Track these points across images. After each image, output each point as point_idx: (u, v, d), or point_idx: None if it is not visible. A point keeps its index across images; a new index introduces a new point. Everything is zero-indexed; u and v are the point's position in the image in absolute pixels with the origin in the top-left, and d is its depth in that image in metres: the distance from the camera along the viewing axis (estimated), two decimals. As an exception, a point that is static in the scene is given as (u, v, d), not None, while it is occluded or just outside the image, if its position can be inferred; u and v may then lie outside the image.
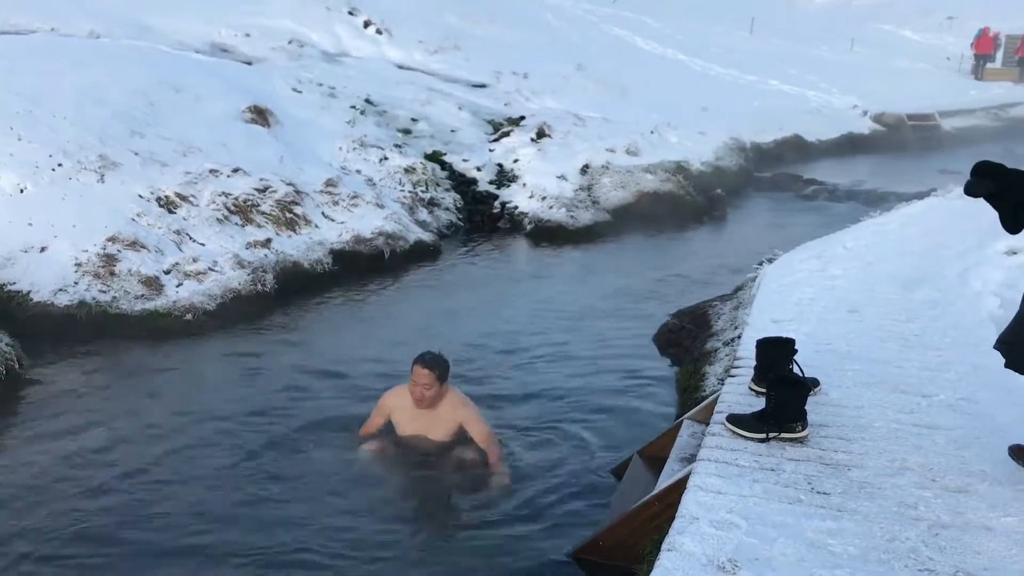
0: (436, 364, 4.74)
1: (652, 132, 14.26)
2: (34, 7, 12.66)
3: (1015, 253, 6.91)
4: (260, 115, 10.78)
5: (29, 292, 7.10)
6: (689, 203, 12.51)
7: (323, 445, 5.05)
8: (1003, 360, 3.50)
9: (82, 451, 4.96)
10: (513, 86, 16.19)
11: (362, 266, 9.08)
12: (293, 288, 8.22)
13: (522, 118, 14.15)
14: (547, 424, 5.31)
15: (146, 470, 4.74)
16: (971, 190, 3.31)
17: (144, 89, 9.98)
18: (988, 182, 3.25)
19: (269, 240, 8.64)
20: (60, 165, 8.20)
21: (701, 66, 23.19)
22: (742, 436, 3.67)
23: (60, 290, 7.15)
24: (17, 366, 6.02)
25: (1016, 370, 3.47)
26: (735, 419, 3.74)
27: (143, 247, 7.73)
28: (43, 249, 7.44)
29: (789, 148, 17.48)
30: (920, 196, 11.00)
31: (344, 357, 6.60)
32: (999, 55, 33.93)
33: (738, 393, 4.19)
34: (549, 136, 13.28)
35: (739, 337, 5.38)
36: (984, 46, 32.25)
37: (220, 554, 3.96)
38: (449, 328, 7.37)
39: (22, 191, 7.91)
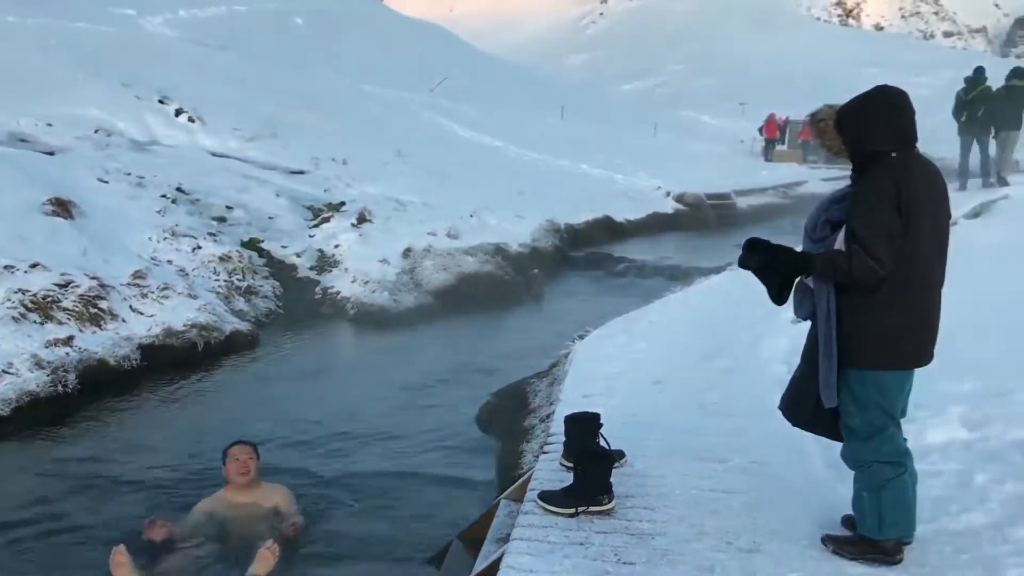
0: (251, 442, 5.16)
1: (472, 216, 14.63)
2: None
3: (798, 321, 7.53)
4: (62, 207, 10.29)
5: None
6: (508, 283, 12.86)
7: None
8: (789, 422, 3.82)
9: None
10: (332, 172, 16.21)
11: (174, 360, 8.74)
12: (100, 387, 7.81)
13: (342, 204, 14.18)
14: (367, 510, 5.27)
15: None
16: (742, 263, 3.64)
17: (-71, 182, 9.35)
18: (757, 256, 3.58)
19: (71, 337, 8.18)
20: None
21: (516, 152, 24.08)
22: (552, 512, 3.80)
23: None
24: None
25: (801, 427, 3.79)
26: (546, 496, 3.88)
27: (-75, 351, 7.15)
28: None
29: (600, 228, 18.32)
30: (718, 270, 11.80)
31: (152, 460, 6.31)
32: (786, 138, 37.31)
33: (550, 469, 4.34)
34: (370, 221, 13.37)
35: (552, 413, 5.57)
36: (771, 130, 35.40)
37: None
38: (267, 418, 7.20)
39: None
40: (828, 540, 3.62)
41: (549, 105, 33.27)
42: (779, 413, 3.83)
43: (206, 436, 6.72)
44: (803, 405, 3.64)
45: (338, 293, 11.66)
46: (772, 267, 3.54)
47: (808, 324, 3.67)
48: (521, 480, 4.61)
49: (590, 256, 15.91)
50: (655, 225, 20.04)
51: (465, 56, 38.37)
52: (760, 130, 36.22)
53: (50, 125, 14.21)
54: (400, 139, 19.79)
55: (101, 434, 6.91)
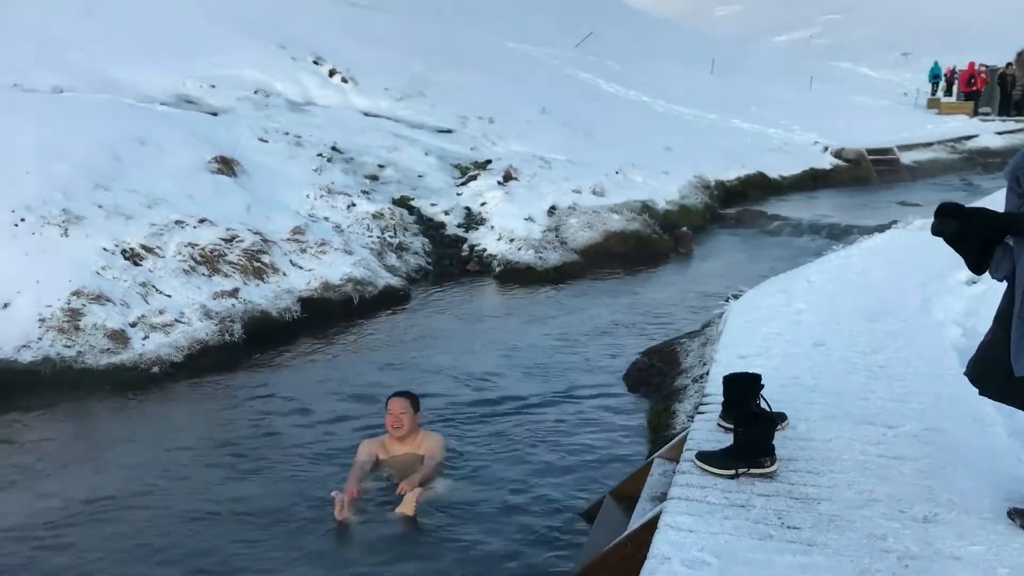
0: (409, 395, 5.33)
1: (617, 173, 14.43)
2: (-3, 64, 12.63)
3: (975, 283, 7.03)
4: (226, 165, 10.78)
5: (-9, 349, 7.00)
6: (655, 242, 12.63)
7: (297, 495, 4.99)
8: (973, 388, 3.54)
9: (42, 511, 4.86)
10: (479, 131, 16.32)
11: (331, 313, 9.04)
12: (261, 337, 8.18)
13: (488, 162, 14.26)
14: (517, 465, 5.29)
15: (107, 528, 4.65)
16: (935, 230, 3.34)
17: (109, 142, 9.95)
18: (952, 223, 3.27)
19: (236, 290, 8.59)
20: (23, 220, 8.14)
21: (664, 107, 23.54)
22: (711, 473, 3.68)
23: (24, 347, 7.06)
24: (-22, 426, 5.92)
25: (990, 396, 3.51)
26: (704, 456, 3.76)
27: (108, 300, 7.66)
28: (6, 306, 7.35)
29: (753, 185, 17.73)
30: (882, 228, 11.18)
31: (314, 404, 6.56)
32: (954, 89, 34.80)
33: (707, 430, 4.21)
34: (516, 179, 13.39)
35: (707, 374, 5.41)
36: (972, 82, 32.75)
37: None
38: (419, 371, 7.35)
39: (-15, 247, 7.83)
40: (1016, 514, 3.35)
41: (698, 59, 32.28)
42: (955, 378, 3.55)
43: (362, 385, 6.93)
44: (993, 371, 3.36)
45: (484, 250, 11.77)
46: (969, 234, 3.23)
47: (1004, 285, 3.36)
48: (676, 439, 4.50)
49: (742, 214, 15.42)
50: (811, 181, 19.23)
51: (611, 10, 37.65)
52: (940, 80, 33.80)
53: (213, 87, 14.88)
54: (545, 96, 19.68)
55: (265, 381, 7.22)
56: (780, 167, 19.16)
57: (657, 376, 6.61)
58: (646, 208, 13.45)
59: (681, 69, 30.04)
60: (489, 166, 14.00)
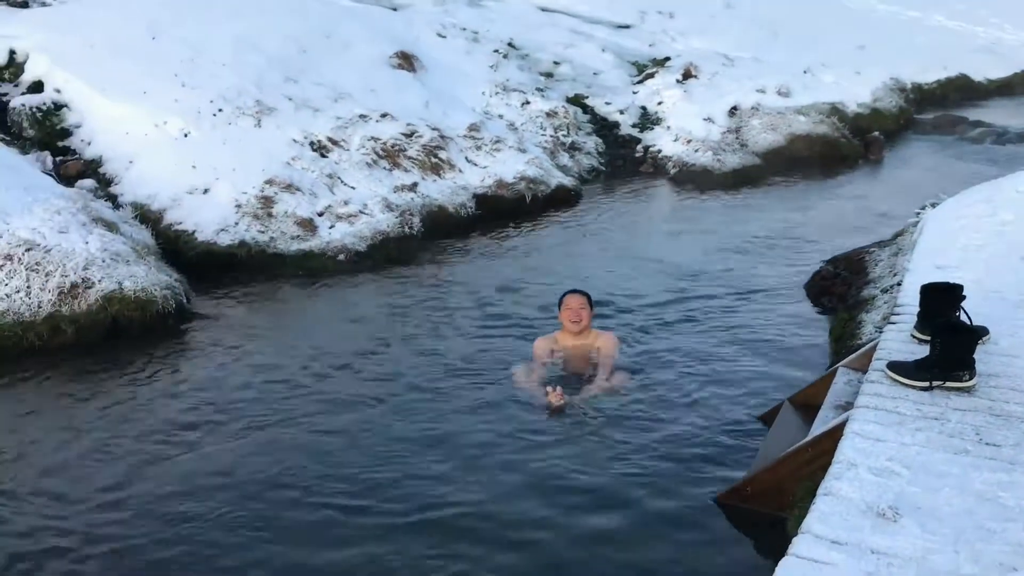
0: (585, 292, 5.41)
1: (805, 72, 13.63)
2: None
3: None
4: (406, 60, 10.94)
5: (194, 232, 7.51)
6: (844, 147, 11.93)
7: (482, 380, 5.16)
8: None
9: (239, 386, 5.21)
10: (658, 26, 15.76)
11: (504, 210, 9.14)
12: (438, 231, 8.39)
13: (667, 59, 13.78)
14: (692, 367, 5.23)
15: (296, 407, 4.93)
16: None
17: (297, 36, 10.28)
18: None
19: (415, 184, 8.80)
20: (220, 111, 8.59)
21: (858, 2, 21.88)
22: (903, 384, 3.50)
23: (222, 230, 7.53)
24: (185, 301, 6.41)
25: None
26: (896, 366, 3.57)
27: (298, 190, 8.03)
28: (206, 191, 7.84)
29: (954, 88, 16.37)
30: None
31: (492, 296, 6.72)
32: None
33: (899, 340, 3.99)
34: (695, 77, 12.90)
35: (899, 284, 5.11)
36: None
37: (367, 488, 4.08)
38: (592, 270, 7.35)
39: (186, 135, 8.35)
40: None
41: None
42: None
43: (534, 283, 6.99)
44: None
45: (660, 151, 11.50)
46: None
47: None
48: (864, 349, 4.30)
49: (940, 119, 14.28)
50: (1021, 86, 17.51)
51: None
52: None
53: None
54: (729, -10, 18.69)
55: (441, 273, 7.43)
56: (986, 70, 17.56)
57: (842, 285, 6.31)
58: (835, 111, 12.68)
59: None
60: (668, 63, 13.54)
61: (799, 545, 2.54)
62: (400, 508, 3.85)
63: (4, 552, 3.59)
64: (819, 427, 3.72)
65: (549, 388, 4.73)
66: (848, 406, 3.67)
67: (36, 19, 10.07)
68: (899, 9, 21.65)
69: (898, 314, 4.35)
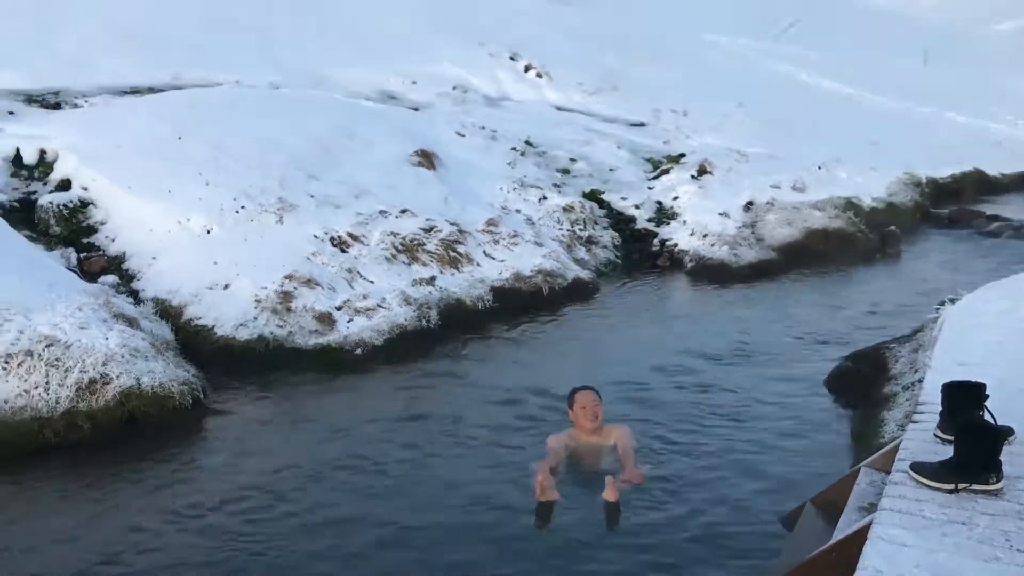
0: (594, 388, 5.41)
1: (819, 168, 13.77)
2: (221, 61, 13.65)
3: None
4: (426, 158, 11.16)
5: (213, 326, 7.56)
6: (860, 241, 11.97)
7: (501, 479, 5.10)
8: None
9: (255, 483, 5.18)
10: (672, 124, 16.08)
11: (521, 303, 9.15)
12: (456, 324, 8.39)
13: (682, 155, 14.00)
14: (711, 462, 5.15)
15: (316, 501, 4.91)
16: None
17: (320, 136, 10.55)
18: None
19: (434, 278, 8.87)
20: (243, 207, 8.76)
21: (870, 99, 22.28)
22: (928, 486, 3.42)
23: (241, 325, 7.58)
24: (202, 396, 6.42)
25: None
26: (920, 467, 3.50)
27: (317, 284, 8.10)
28: (226, 286, 7.93)
29: (969, 183, 16.48)
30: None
31: (507, 389, 6.68)
32: None
33: (921, 440, 3.92)
34: (710, 173, 13.07)
35: (920, 381, 5.05)
36: None
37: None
38: (608, 363, 7.31)
39: (208, 232, 8.50)
40: None
41: (908, 48, 30.29)
42: None
43: (552, 376, 6.93)
44: None
45: (676, 245, 11.56)
46: None
47: None
48: (887, 449, 4.23)
49: (956, 213, 14.32)
50: (1036, 181, 17.64)
51: (812, -1, 36.01)
52: None
53: (415, 83, 15.47)
54: (741, 89, 19.12)
55: (457, 367, 7.42)
56: (1001, 164, 17.72)
57: (862, 382, 6.25)
58: (851, 205, 12.77)
59: (891, 60, 28.32)
60: (682, 160, 13.75)
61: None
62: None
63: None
64: (843, 530, 3.63)
65: (541, 477, 4.67)
66: (872, 508, 3.58)
67: (67, 120, 10.41)
68: (912, 106, 22.02)
69: (920, 412, 4.28)
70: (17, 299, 6.26)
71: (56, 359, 5.95)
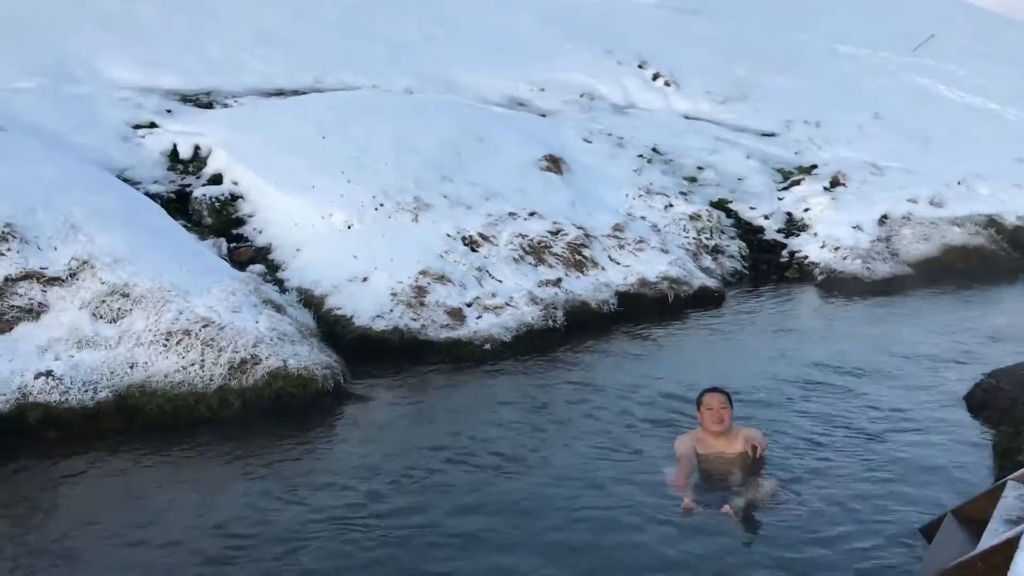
0: (724, 390, 5.31)
1: (959, 183, 13.27)
2: (359, 67, 14.17)
3: None
4: (554, 163, 11.33)
5: (352, 317, 7.89)
6: (1003, 259, 11.51)
7: (629, 478, 5.16)
8: None
9: (384, 467, 5.36)
10: (804, 135, 15.76)
11: (646, 309, 9.21)
12: (581, 326, 8.51)
13: (814, 167, 13.73)
14: (846, 474, 5.07)
15: (440, 488, 5.05)
16: None
17: (452, 139, 10.85)
18: None
19: (559, 280, 9.01)
20: (382, 205, 9.11)
21: (1016, 115, 21.22)
22: (1084, 500, 3.33)
23: (378, 316, 7.88)
24: (343, 380, 6.72)
25: None
26: (1075, 481, 3.41)
27: (449, 281, 8.36)
28: (365, 279, 8.26)
29: (1123, 203, 15.49)
30: None
31: (632, 391, 6.72)
32: None
33: (1076, 455, 3.80)
34: (844, 185, 12.79)
35: (1072, 399, 4.87)
36: None
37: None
38: (733, 371, 7.24)
39: (349, 227, 8.88)
40: None
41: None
42: None
43: (676, 381, 6.95)
44: None
45: (806, 257, 11.37)
46: None
47: None
48: (1036, 463, 4.11)
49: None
50: None
51: (950, 10, 34.53)
52: None
53: (543, 90, 15.67)
54: (877, 101, 18.56)
55: (582, 366, 7.53)
56: None
57: (1004, 399, 6.03)
58: (992, 223, 12.27)
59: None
60: (814, 171, 13.50)
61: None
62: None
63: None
64: (989, 540, 3.55)
65: (681, 491, 4.68)
66: (1020, 521, 3.50)
67: (219, 119, 11.04)
68: (1061, 121, 20.87)
69: (1073, 429, 4.15)
70: (177, 283, 6.70)
71: (211, 339, 6.36)
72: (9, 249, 6.54)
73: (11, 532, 4.57)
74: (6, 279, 6.38)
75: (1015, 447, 5.10)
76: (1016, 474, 4.18)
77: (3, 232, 6.60)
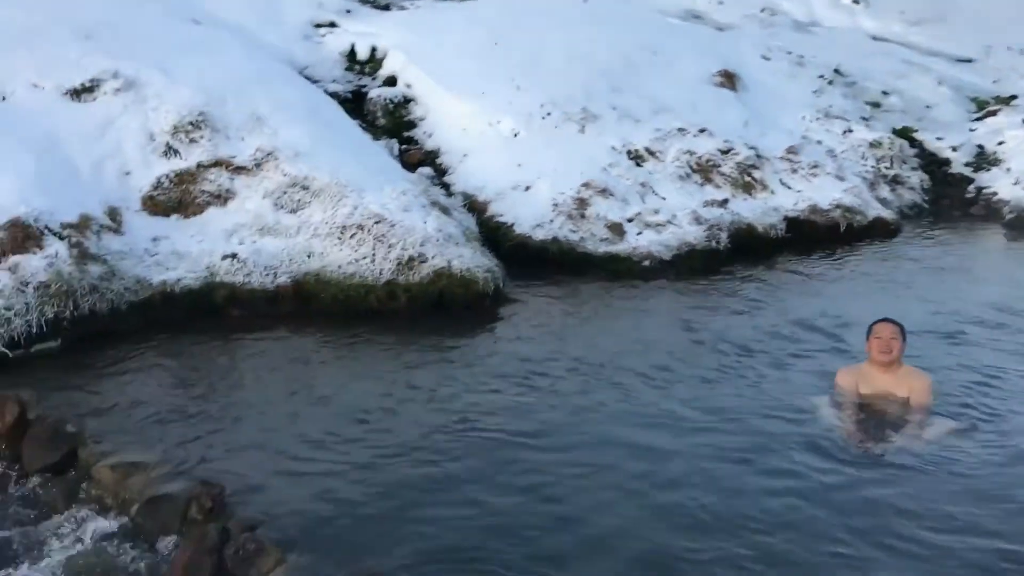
0: (898, 323, 4.97)
1: None
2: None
3: None
4: (729, 79, 10.92)
5: (512, 224, 8.00)
6: None
7: (778, 409, 5.03)
8: None
9: (534, 371, 5.41)
10: (1006, 62, 14.48)
11: (816, 236, 8.87)
12: (745, 250, 8.30)
13: (1014, 97, 12.63)
14: (1017, 428, 4.76)
15: (580, 397, 5.07)
16: None
17: (625, 50, 10.61)
18: None
19: (726, 200, 8.78)
20: (549, 114, 9.09)
21: None
22: None
23: (538, 225, 7.95)
24: (502, 285, 6.86)
25: None
26: None
27: (611, 195, 8.30)
28: (527, 188, 8.32)
29: None
30: None
31: (795, 321, 6.47)
32: None
33: None
34: (1046, 118, 11.73)
35: None
36: None
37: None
38: (908, 308, 6.87)
39: (516, 135, 8.92)
40: None
41: None
42: None
43: (844, 313, 6.63)
44: None
45: (995, 194, 10.61)
46: None
47: None
48: None
49: None
50: None
51: None
52: None
53: (721, 3, 15.04)
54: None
55: (744, 291, 7.34)
56: None
57: None
58: None
59: None
60: (1014, 102, 12.42)
61: None
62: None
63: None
64: None
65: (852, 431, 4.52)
66: None
67: (394, 20, 11.21)
68: None
69: None
70: (353, 179, 6.97)
71: (382, 235, 6.60)
72: (202, 136, 6.96)
73: (192, 394, 4.99)
74: (199, 165, 6.82)
75: None
76: None
77: (197, 120, 7.02)
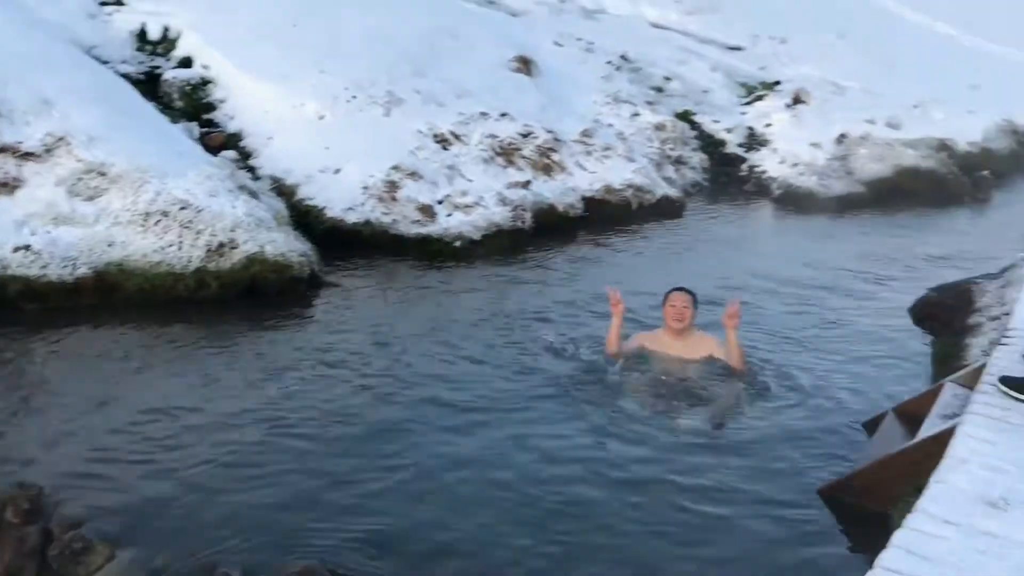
0: (691, 291, 5.44)
1: (915, 107, 13.59)
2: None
3: None
4: (525, 65, 11.32)
5: (324, 208, 7.99)
6: (952, 183, 11.91)
7: (577, 363, 5.44)
8: None
9: (355, 352, 5.55)
10: (770, 50, 15.90)
11: (610, 215, 9.46)
12: (547, 228, 8.73)
13: (777, 83, 13.92)
14: (795, 373, 5.40)
15: (402, 374, 5.29)
16: None
17: (425, 33, 10.75)
18: None
19: (528, 182, 9.17)
20: (354, 97, 9.10)
21: (972, 41, 21.53)
22: (1015, 398, 3.69)
23: (349, 209, 8.00)
24: (317, 269, 6.87)
25: None
26: (1009, 381, 3.76)
27: (421, 178, 8.46)
28: (336, 171, 8.32)
29: (1071, 134, 16.02)
30: None
31: (593, 294, 6.94)
32: None
33: (1009, 359, 4.16)
34: (805, 103, 13.01)
35: (1008, 313, 5.25)
36: None
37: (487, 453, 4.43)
38: (693, 277, 7.49)
39: (321, 118, 8.88)
40: None
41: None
42: None
43: (635, 284, 7.16)
44: None
45: (764, 172, 11.66)
46: None
47: None
48: (973, 367, 4.46)
49: (1052, 163, 14.08)
50: None
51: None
52: None
53: (515, -11, 15.43)
54: (844, 20, 18.64)
55: (550, 267, 7.79)
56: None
57: (947, 312, 6.42)
58: (944, 147, 12.64)
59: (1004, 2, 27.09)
60: (778, 87, 13.69)
61: (913, 520, 2.78)
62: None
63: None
64: (926, 431, 3.92)
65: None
66: (955, 416, 3.85)
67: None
68: (1015, 51, 21.23)
69: (1009, 336, 4.52)
70: (154, 164, 6.72)
71: (189, 221, 6.44)
72: (-19, 122, 6.48)
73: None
74: (-21, 152, 6.35)
75: (953, 354, 5.50)
76: (954, 376, 4.56)
77: (-26, 104, 6.52)
